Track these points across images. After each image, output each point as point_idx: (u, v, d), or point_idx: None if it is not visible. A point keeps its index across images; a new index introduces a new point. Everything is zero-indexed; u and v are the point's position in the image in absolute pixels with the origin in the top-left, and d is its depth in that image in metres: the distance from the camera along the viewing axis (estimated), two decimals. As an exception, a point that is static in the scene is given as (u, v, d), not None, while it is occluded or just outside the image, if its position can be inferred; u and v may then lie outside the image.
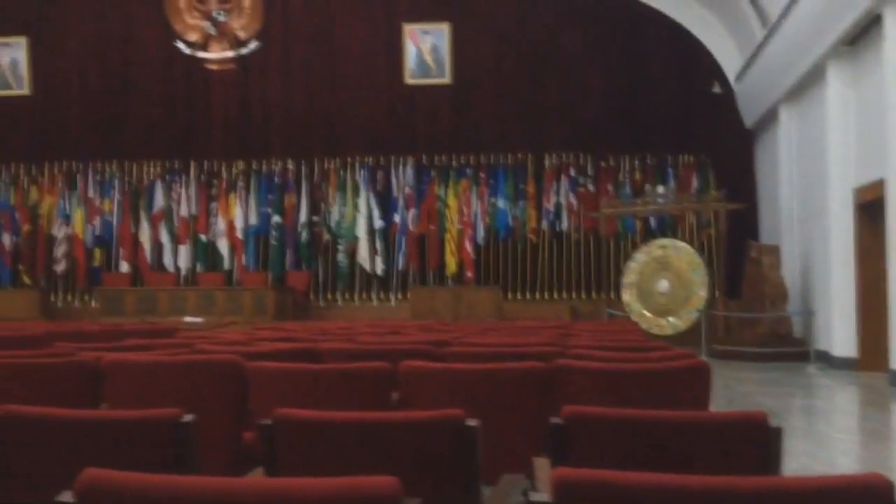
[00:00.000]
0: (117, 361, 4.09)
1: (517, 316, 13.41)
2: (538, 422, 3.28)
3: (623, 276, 13.39)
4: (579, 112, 15.03)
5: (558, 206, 15.26)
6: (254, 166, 15.69)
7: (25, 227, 15.57)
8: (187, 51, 15.55)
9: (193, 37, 15.57)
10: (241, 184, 15.62)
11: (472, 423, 2.19)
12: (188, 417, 2.29)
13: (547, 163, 15.34)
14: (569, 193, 15.22)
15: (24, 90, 15.78)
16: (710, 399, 3.42)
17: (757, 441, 2.09)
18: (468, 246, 15.18)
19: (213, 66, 15.60)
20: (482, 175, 15.44)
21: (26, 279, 15.49)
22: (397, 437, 2.20)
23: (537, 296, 15.13)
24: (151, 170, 15.73)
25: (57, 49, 15.73)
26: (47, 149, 15.67)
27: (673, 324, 12.63)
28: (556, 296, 15.09)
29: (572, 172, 15.29)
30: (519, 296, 15.11)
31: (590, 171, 15.31)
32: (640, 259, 13.16)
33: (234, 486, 1.27)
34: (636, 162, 15.26)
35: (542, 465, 2.35)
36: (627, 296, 13.18)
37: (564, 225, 15.24)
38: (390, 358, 3.93)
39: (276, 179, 15.62)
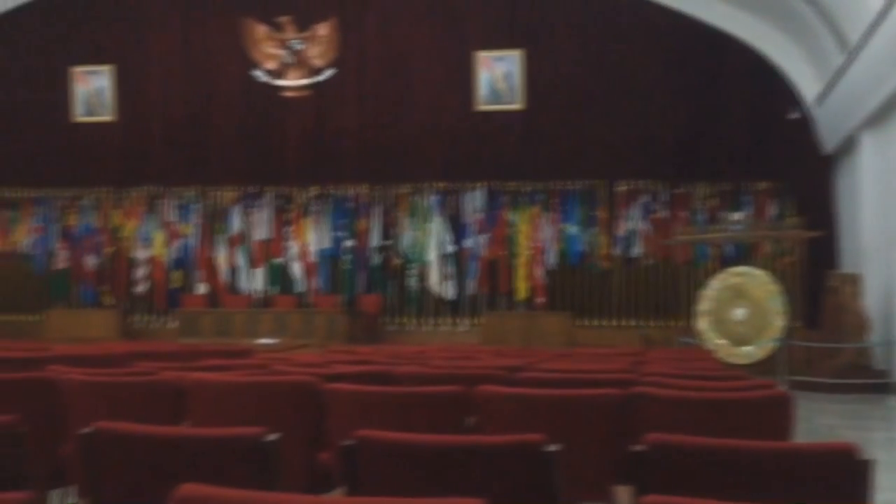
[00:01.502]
0: (199, 381, 4.18)
1: (588, 342, 13.28)
2: (614, 449, 3.26)
3: (697, 303, 13.17)
4: (653, 137, 14.90)
5: (630, 232, 15.13)
6: (327, 191, 15.91)
7: (108, 250, 16.06)
8: (264, 79, 15.90)
9: (271, 65, 15.92)
10: (314, 208, 15.86)
11: (551, 448, 2.19)
12: (272, 436, 2.33)
13: (619, 189, 15.24)
14: (641, 220, 15.08)
15: (109, 117, 16.31)
16: (792, 430, 3.35)
17: (846, 473, 2.05)
18: (539, 271, 15.14)
19: (290, 94, 15.92)
20: (553, 201, 15.40)
21: (108, 300, 15.94)
22: (476, 460, 2.21)
23: (608, 322, 14.99)
24: (229, 194, 16.09)
25: (141, 77, 16.25)
26: (130, 174, 16.15)
27: (749, 353, 12.35)
28: (627, 322, 14.93)
29: (645, 198, 15.15)
30: (589, 322, 14.97)
31: (663, 196, 15.15)
32: (716, 286, 12.93)
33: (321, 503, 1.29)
34: (711, 188, 15.05)
35: (623, 493, 2.33)
36: (702, 324, 12.95)
37: (636, 251, 15.09)
38: (464, 382, 3.94)
39: (348, 204, 15.83)
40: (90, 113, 16.29)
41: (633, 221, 15.12)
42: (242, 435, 2.32)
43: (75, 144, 16.22)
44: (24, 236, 16.26)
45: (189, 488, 1.40)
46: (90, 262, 15.98)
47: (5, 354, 6.37)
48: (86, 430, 2.39)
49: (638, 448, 2.13)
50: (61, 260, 16.01)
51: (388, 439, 2.20)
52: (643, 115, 14.98)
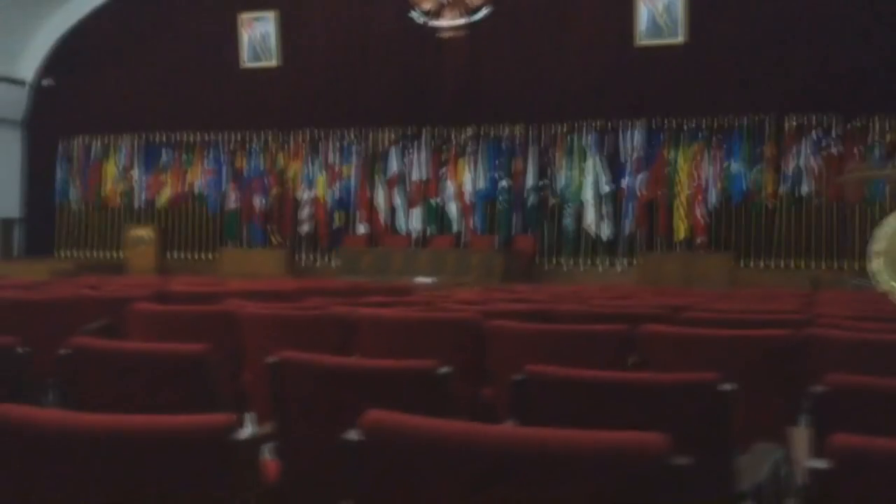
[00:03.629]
0: (367, 316, 4.34)
1: (751, 284, 12.85)
2: (788, 391, 3.17)
3: (871, 243, 12.47)
4: (827, 67, 13.99)
5: (799, 169, 14.41)
6: (483, 131, 15.94)
7: (274, 191, 16.74)
8: (421, 20, 15.98)
9: (427, 6, 15.96)
10: (470, 148, 15.93)
11: (726, 387, 2.16)
12: (445, 369, 2.40)
13: (787, 124, 14.51)
14: (811, 156, 14.33)
15: (273, 62, 16.86)
16: None
17: None
18: (699, 211, 14.71)
19: (446, 35, 15.94)
20: (716, 137, 14.86)
21: (275, 239, 16.66)
22: (649, 398, 2.20)
23: (773, 264, 14.43)
24: (387, 136, 16.38)
25: (303, 23, 16.68)
26: (293, 117, 16.68)
27: (928, 297, 11.64)
28: (794, 264, 14.32)
29: (816, 134, 14.37)
30: (753, 263, 14.47)
31: (836, 131, 14.32)
32: (892, 225, 12.19)
33: (511, 433, 1.33)
34: (890, 121, 14.10)
35: (798, 435, 2.28)
36: (876, 264, 12.28)
37: (805, 190, 14.39)
38: (626, 321, 3.92)
39: (504, 144, 15.81)
40: (256, 58, 16.89)
41: (802, 158, 14.39)
42: (417, 367, 2.41)
43: (243, 89, 16.88)
44: (198, 178, 17.17)
45: (376, 414, 1.47)
46: (258, 202, 16.72)
47: (190, 289, 6.79)
48: (271, 359, 2.54)
49: (818, 389, 2.07)
50: (232, 201, 16.83)
51: (560, 375, 2.23)
52: (817, 41, 14.10)
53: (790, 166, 14.41)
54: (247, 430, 1.53)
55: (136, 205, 17.45)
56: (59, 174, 17.87)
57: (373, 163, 16.37)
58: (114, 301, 5.34)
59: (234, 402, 4.03)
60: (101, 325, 4.46)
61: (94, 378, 2.81)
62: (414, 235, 15.93)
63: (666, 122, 15.04)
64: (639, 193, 14.99)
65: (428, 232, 15.90)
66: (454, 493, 1.38)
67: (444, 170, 15.99)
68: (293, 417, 2.53)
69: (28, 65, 17.72)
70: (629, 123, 15.14)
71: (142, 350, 2.89)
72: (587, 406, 2.25)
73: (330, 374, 2.51)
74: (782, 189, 14.45)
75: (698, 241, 14.65)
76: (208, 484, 1.52)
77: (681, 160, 14.88)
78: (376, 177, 16.27)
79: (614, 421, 2.35)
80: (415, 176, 16.07)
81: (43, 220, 17.89)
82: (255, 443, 1.55)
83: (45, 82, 17.79)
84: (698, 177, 14.74)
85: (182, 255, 16.94)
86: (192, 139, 17.21)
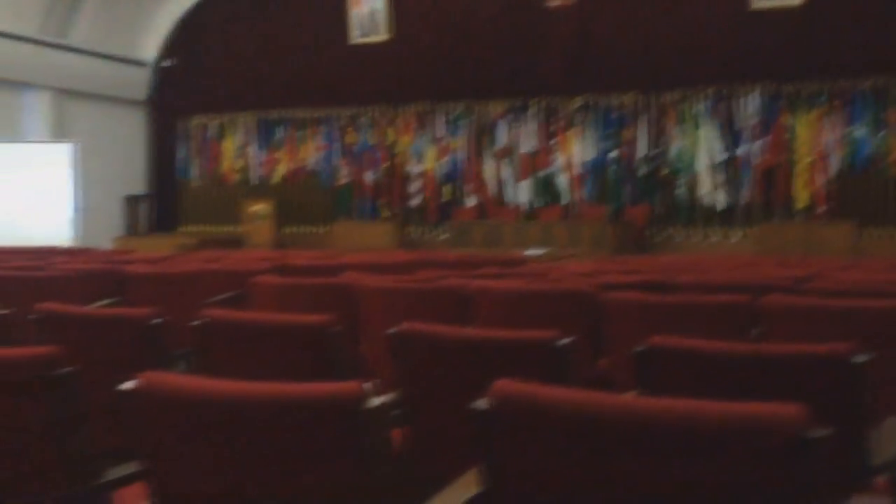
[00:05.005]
0: (482, 287, 4.37)
1: (874, 253, 12.33)
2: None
3: None
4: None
5: (927, 134, 13.70)
6: (593, 101, 15.71)
7: (384, 165, 16.95)
8: (528, -11, 15.82)
9: (535, -25, 15.80)
10: (580, 119, 15.74)
11: (859, 359, 2.09)
12: (565, 340, 2.40)
13: (916, 85, 13.79)
14: (943, 119, 13.59)
15: (382, 37, 17.00)
16: None
17: None
18: (820, 178, 14.17)
19: (554, 3, 15.73)
20: (837, 102, 14.25)
21: (385, 212, 16.89)
22: (776, 371, 2.15)
23: (899, 232, 13.80)
24: (495, 108, 16.33)
25: (410, -4, 16.78)
26: (402, 92, 16.81)
27: None
28: (922, 233, 13.66)
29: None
30: (878, 232, 13.86)
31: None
32: None
33: (644, 404, 1.32)
34: None
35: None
36: None
37: (934, 154, 13.67)
38: (747, 292, 3.83)
39: (614, 113, 15.56)
40: (364, 34, 17.06)
41: (932, 121, 13.67)
42: (537, 338, 2.42)
43: (352, 65, 17.10)
44: (310, 154, 17.55)
45: (505, 384, 1.48)
46: (369, 177, 16.97)
47: (307, 262, 6.97)
48: (392, 330, 2.59)
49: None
50: (343, 175, 17.14)
51: (685, 346, 2.20)
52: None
53: (918, 131, 13.72)
54: (377, 399, 1.57)
55: (252, 181, 17.97)
56: (180, 152, 18.56)
57: (481, 135, 16.36)
58: (236, 274, 5.53)
59: (355, 372, 4.14)
60: (227, 297, 4.63)
61: (223, 348, 2.92)
62: (523, 208, 15.88)
63: (784, 87, 14.51)
64: (755, 161, 14.55)
65: (537, 204, 15.83)
66: (584, 463, 1.38)
67: (553, 141, 15.86)
68: (415, 387, 2.58)
69: (150, 46, 18.40)
70: (745, 89, 14.67)
71: (268, 321, 2.99)
72: (713, 378, 2.21)
73: (451, 345, 2.55)
74: (909, 154, 13.78)
75: (819, 209, 14.14)
76: (341, 450, 1.57)
77: (800, 126, 14.35)
78: (485, 149, 16.26)
79: (741, 393, 2.31)
80: (523, 148, 15.99)
81: (167, 197, 18.62)
82: (384, 411, 1.58)
83: (166, 63, 18.44)
84: (819, 143, 14.20)
85: (297, 229, 17.37)
86: (304, 116, 17.57)
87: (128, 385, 1.74)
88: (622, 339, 3.82)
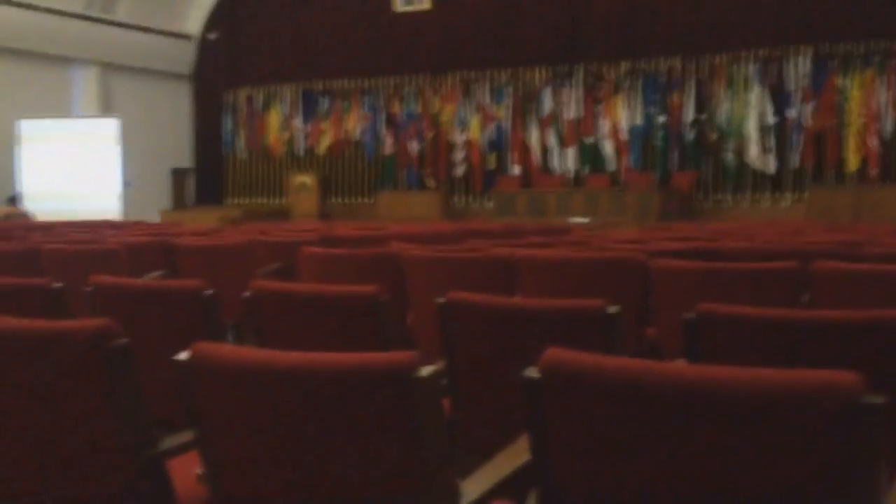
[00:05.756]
0: (528, 256, 4.35)
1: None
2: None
3: None
4: None
5: None
6: (638, 66, 15.50)
7: (429, 135, 16.92)
8: (572, -47, 15.61)
9: (578, -62, 15.58)
10: (625, 84, 15.55)
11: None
12: (614, 308, 2.39)
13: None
14: None
15: (425, 5, 16.90)
16: None
17: None
18: (873, 141, 13.86)
19: (597, -33, 15.52)
20: (891, 62, 13.88)
21: (429, 182, 16.89)
22: (831, 338, 2.12)
23: (957, 196, 13.46)
24: (539, 75, 16.19)
25: (451, -37, 16.63)
26: (446, 60, 16.74)
27: None
28: (981, 196, 13.31)
29: None
30: (933, 196, 13.54)
31: None
32: None
33: (699, 372, 1.31)
34: None
35: None
36: None
37: None
38: (797, 258, 3.77)
39: (660, 78, 15.34)
40: (408, 2, 16.98)
41: None
42: (586, 307, 2.41)
43: (396, 34, 17.06)
44: (355, 124, 17.57)
45: (556, 353, 1.48)
46: (413, 146, 16.96)
47: (353, 233, 7.01)
48: (440, 300, 2.59)
49: None
50: (388, 146, 17.16)
51: (736, 313, 2.17)
52: None
53: (977, 89, 13.34)
54: (428, 368, 1.58)
55: (297, 152, 18.06)
56: (225, 125, 18.70)
57: (525, 103, 16.24)
58: (283, 245, 5.59)
59: (403, 342, 4.17)
60: (275, 268, 4.68)
61: (273, 319, 2.95)
62: (568, 175, 15.77)
63: (834, 47, 14.18)
64: (806, 125, 14.27)
65: (582, 171, 15.71)
66: (637, 431, 1.38)
67: (598, 107, 15.70)
68: (462, 356, 2.59)
69: (194, 20, 18.51)
70: (794, 51, 14.36)
71: (318, 292, 3.02)
72: (763, 346, 2.19)
73: (499, 314, 2.55)
74: (967, 115, 13.41)
75: (872, 172, 13.84)
76: (395, 419, 1.58)
77: (852, 88, 14.03)
78: (529, 117, 16.15)
79: (793, 361, 2.28)
80: (568, 115, 15.85)
81: (212, 170, 18.82)
82: (436, 380, 1.59)
83: (210, 36, 18.54)
84: (871, 105, 13.87)
85: (341, 200, 17.45)
86: (348, 86, 17.58)
87: (183, 355, 1.76)
88: (669, 307, 3.79)
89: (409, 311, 4.32)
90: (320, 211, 16.73)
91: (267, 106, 18.35)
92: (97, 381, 1.98)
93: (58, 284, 3.14)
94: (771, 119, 14.47)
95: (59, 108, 16.22)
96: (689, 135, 15.02)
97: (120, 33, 16.72)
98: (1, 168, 15.02)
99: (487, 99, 16.50)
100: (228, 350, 1.80)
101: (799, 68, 14.34)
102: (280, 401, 1.69)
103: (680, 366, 1.40)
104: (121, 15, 16.73)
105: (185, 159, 18.89)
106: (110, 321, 1.99)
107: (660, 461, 1.38)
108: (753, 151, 14.52)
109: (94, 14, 16.26)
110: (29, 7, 14.98)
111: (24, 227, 9.66)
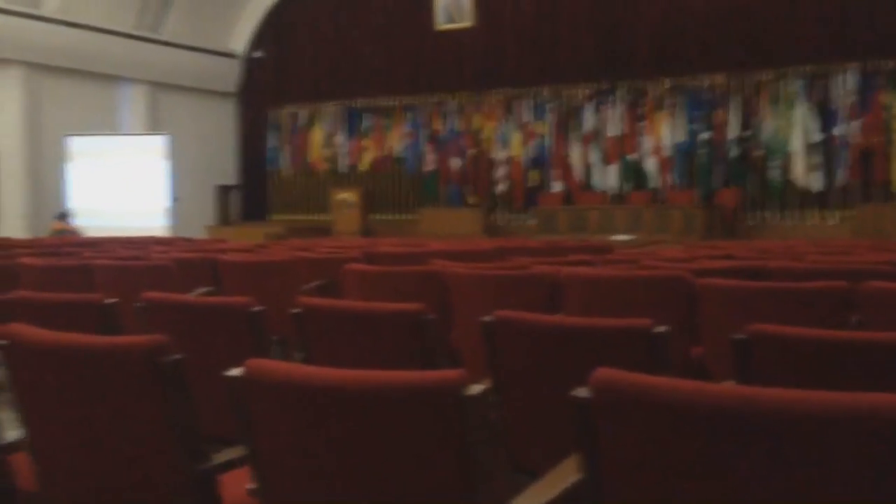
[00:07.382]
0: (572, 274, 4.34)
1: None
2: None
3: None
4: None
5: None
6: (681, 83, 15.41)
7: (470, 152, 16.96)
8: (613, -30, 15.60)
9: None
10: (668, 101, 15.46)
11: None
12: (661, 328, 2.38)
13: None
14: None
15: (467, 23, 16.99)
16: None
17: None
18: (920, 159, 13.63)
19: (640, -16, 15.50)
20: (939, 78, 13.68)
21: (471, 199, 16.91)
22: (884, 360, 2.09)
23: None
24: (581, 92, 16.17)
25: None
26: (488, 77, 16.78)
27: None
28: None
29: None
30: None
31: None
32: None
33: (749, 392, 1.31)
34: None
35: None
36: None
37: None
38: (845, 278, 3.72)
39: (704, 95, 15.23)
40: (450, 20, 17.08)
41: None
42: (634, 326, 2.40)
43: (438, 51, 17.15)
44: (397, 142, 17.68)
45: (606, 372, 1.48)
46: (455, 163, 17.00)
47: (395, 250, 7.04)
48: (486, 318, 2.60)
49: None
50: (430, 162, 17.22)
51: (786, 334, 2.15)
52: None
53: None
54: (477, 386, 1.59)
55: (340, 169, 18.20)
56: (269, 142, 18.92)
57: (567, 120, 16.22)
58: (326, 262, 5.63)
59: (449, 359, 4.17)
60: (320, 285, 4.72)
61: (320, 335, 2.98)
62: (610, 192, 15.70)
63: (881, 63, 13.98)
64: (853, 142, 14.08)
65: (624, 189, 15.63)
66: (689, 452, 1.37)
67: (640, 124, 15.62)
68: (508, 374, 2.59)
69: (239, 38, 18.80)
70: (841, 67, 14.19)
71: (364, 309, 3.04)
72: (816, 367, 2.17)
73: (545, 332, 2.55)
74: None
75: (921, 191, 13.61)
76: (443, 437, 1.59)
77: (899, 104, 13.83)
78: (571, 134, 16.12)
79: (844, 383, 2.26)
80: (610, 132, 15.80)
81: (256, 186, 19.04)
82: (484, 398, 1.60)
83: (255, 54, 18.81)
84: (919, 122, 13.66)
85: (384, 217, 17.54)
86: (391, 104, 17.70)
87: (235, 371, 1.79)
88: (716, 327, 3.76)
89: (453, 328, 4.33)
90: (363, 227, 16.83)
91: (310, 123, 18.54)
92: (151, 396, 2.02)
93: (111, 300, 3.20)
94: (817, 136, 14.28)
95: (109, 125, 16.54)
96: (734, 151, 14.88)
97: (167, 52, 17.03)
98: (52, 184, 15.32)
99: (529, 116, 16.51)
100: (280, 367, 1.83)
101: (845, 85, 14.16)
102: (330, 418, 1.71)
103: (733, 387, 1.39)
104: (168, 34, 17.05)
105: (230, 176, 19.14)
106: (164, 337, 2.02)
107: (712, 484, 1.37)
108: (799, 169, 14.34)
109: (143, 34, 16.59)
110: (80, 27, 15.33)
111: (72, 242, 9.85)
